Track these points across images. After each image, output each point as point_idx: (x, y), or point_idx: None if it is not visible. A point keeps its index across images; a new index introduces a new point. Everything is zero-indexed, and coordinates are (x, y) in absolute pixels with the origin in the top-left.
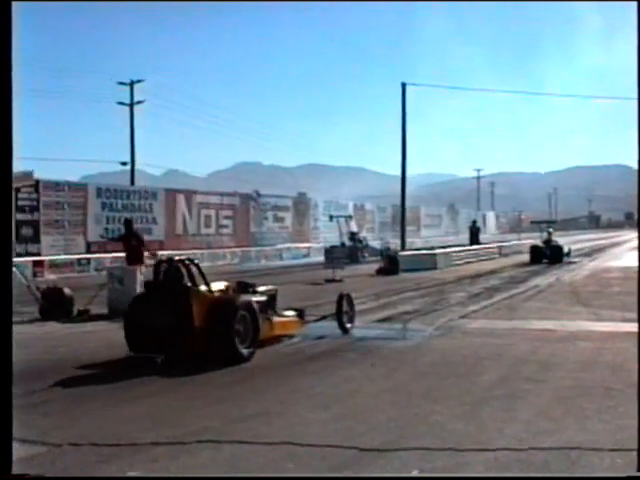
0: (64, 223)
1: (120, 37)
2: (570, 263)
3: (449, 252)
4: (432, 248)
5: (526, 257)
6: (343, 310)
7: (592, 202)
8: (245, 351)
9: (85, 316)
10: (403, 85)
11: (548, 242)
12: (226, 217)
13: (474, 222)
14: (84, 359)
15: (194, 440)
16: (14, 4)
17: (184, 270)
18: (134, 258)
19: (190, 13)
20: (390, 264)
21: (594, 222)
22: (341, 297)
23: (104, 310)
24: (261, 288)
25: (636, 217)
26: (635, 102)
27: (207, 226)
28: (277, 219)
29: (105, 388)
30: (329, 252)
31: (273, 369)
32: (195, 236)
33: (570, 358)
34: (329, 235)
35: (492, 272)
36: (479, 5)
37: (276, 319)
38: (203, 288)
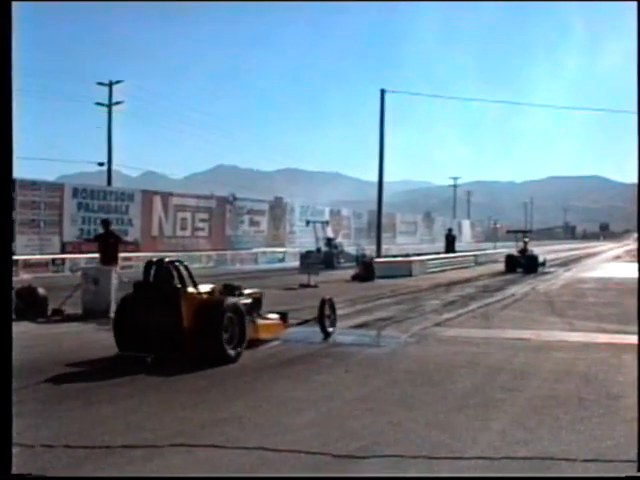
0: (39, 223)
1: (101, 38)
2: (545, 273)
3: (424, 259)
4: (407, 255)
5: (502, 266)
6: (325, 314)
7: (567, 212)
8: (232, 352)
9: (59, 316)
10: (382, 92)
11: (523, 251)
12: (202, 220)
13: (450, 230)
14: (59, 359)
15: (167, 444)
16: (14, 4)
17: (174, 271)
18: (109, 258)
19: (172, 15)
20: (366, 270)
21: (569, 232)
22: (323, 302)
23: (78, 310)
24: (247, 291)
25: (610, 229)
26: (635, 113)
27: (183, 228)
28: (253, 223)
29: (80, 389)
30: (305, 257)
31: (248, 373)
32: (171, 238)
33: (545, 368)
34: (305, 240)
35: (467, 280)
36: (463, 13)
37: (260, 322)
38: (191, 290)
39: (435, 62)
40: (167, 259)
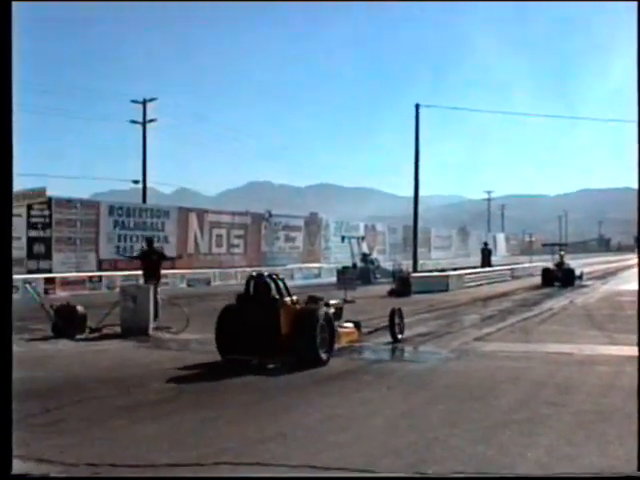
0: (76, 240)
1: (135, 56)
2: (582, 286)
3: (461, 274)
4: (443, 270)
5: (538, 280)
6: (395, 322)
7: (602, 225)
8: (324, 355)
9: (98, 334)
10: (416, 106)
11: (560, 265)
12: (237, 236)
13: (486, 244)
14: (99, 377)
15: (212, 462)
16: (14, 4)
17: (272, 284)
18: (152, 275)
19: (206, 33)
20: (402, 286)
21: (604, 245)
22: (393, 311)
23: (117, 328)
24: (332, 302)
25: None
26: None
27: (219, 245)
28: (288, 239)
29: (123, 407)
30: (341, 273)
31: (290, 390)
32: (207, 255)
33: (588, 382)
34: (340, 255)
35: (504, 294)
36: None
37: (341, 329)
38: (287, 300)
39: (470, 75)
40: (266, 273)
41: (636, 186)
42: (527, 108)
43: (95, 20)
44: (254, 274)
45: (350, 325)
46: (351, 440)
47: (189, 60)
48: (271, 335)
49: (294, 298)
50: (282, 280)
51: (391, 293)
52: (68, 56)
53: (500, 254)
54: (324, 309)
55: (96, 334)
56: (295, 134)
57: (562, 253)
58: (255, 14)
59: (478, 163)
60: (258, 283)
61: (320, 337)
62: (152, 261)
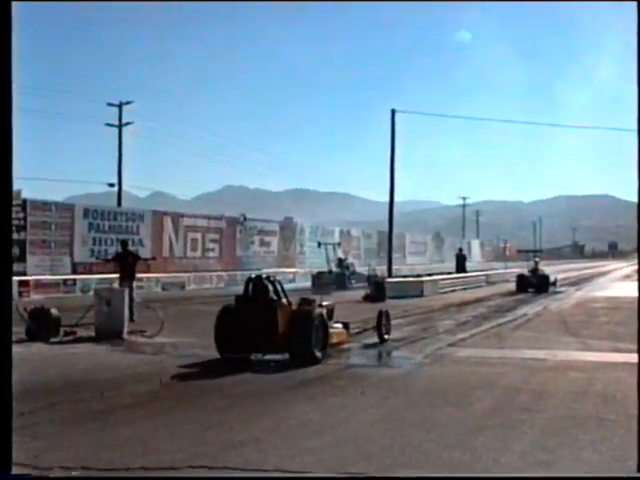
0: (50, 243)
1: (110, 58)
2: (556, 292)
3: (436, 279)
4: (418, 275)
5: (513, 286)
6: (382, 323)
7: (576, 232)
8: (319, 353)
9: (72, 337)
10: (392, 112)
11: (535, 271)
12: (212, 240)
13: (460, 250)
14: (73, 381)
15: (186, 465)
16: (14, 4)
17: (269, 286)
18: (127, 276)
19: (180, 36)
20: (377, 291)
21: (578, 252)
22: (380, 313)
23: (91, 331)
24: (324, 303)
25: (619, 248)
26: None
27: (193, 249)
28: (263, 243)
29: (97, 411)
30: (316, 278)
31: (264, 395)
32: (182, 259)
33: (562, 388)
34: (315, 260)
35: (479, 300)
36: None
37: (332, 330)
38: (284, 301)
39: (444, 81)
40: (264, 276)
41: (612, 193)
42: (502, 114)
43: (76, 20)
44: (253, 276)
45: (339, 326)
46: (325, 445)
47: (166, 61)
48: (269, 334)
49: (290, 299)
50: (279, 283)
51: (366, 298)
52: (43, 55)
53: (475, 260)
54: (319, 310)
55: (70, 337)
56: (271, 138)
57: (537, 260)
58: (233, 15)
59: (454, 169)
60: (256, 285)
61: (315, 336)
62: (127, 263)
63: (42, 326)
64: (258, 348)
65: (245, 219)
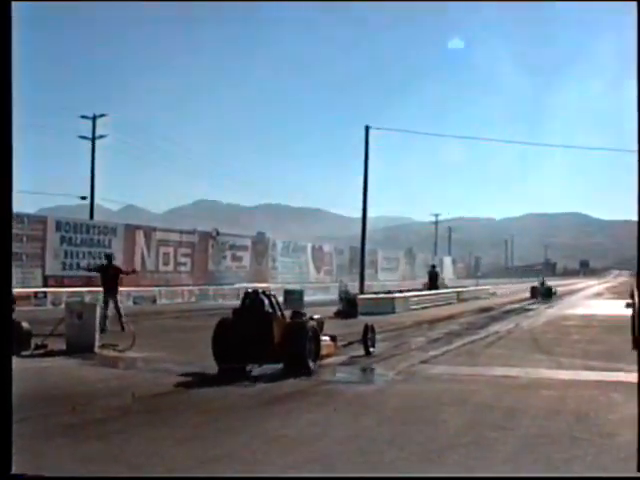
0: (22, 255)
1: (85, 70)
2: (527, 310)
3: (407, 296)
4: (390, 292)
5: (484, 303)
6: (368, 336)
7: (548, 249)
8: (312, 364)
9: (43, 350)
10: (366, 128)
11: (542, 284)
12: (185, 255)
13: (433, 267)
14: (44, 395)
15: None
16: (14, 4)
17: (265, 300)
18: (110, 288)
19: (153, 51)
20: (349, 307)
21: (550, 269)
22: (366, 327)
23: (62, 345)
24: (315, 316)
25: (591, 266)
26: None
27: (165, 263)
28: (235, 258)
29: (67, 425)
30: (288, 294)
31: (238, 410)
32: (153, 273)
33: (535, 406)
34: (287, 276)
35: (451, 317)
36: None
37: (322, 342)
38: (279, 314)
39: (419, 100)
40: (260, 290)
41: (583, 211)
42: (475, 132)
43: (53, 31)
44: (249, 291)
45: (327, 338)
46: (297, 462)
47: (139, 76)
48: (264, 345)
49: (283, 312)
50: (274, 297)
51: (338, 314)
52: (17, 67)
53: (447, 277)
54: (312, 322)
55: (41, 351)
56: (244, 154)
57: (543, 277)
58: (205, 31)
59: (426, 186)
60: (253, 299)
61: (308, 348)
62: (110, 275)
63: (13, 339)
64: (254, 359)
65: (218, 234)
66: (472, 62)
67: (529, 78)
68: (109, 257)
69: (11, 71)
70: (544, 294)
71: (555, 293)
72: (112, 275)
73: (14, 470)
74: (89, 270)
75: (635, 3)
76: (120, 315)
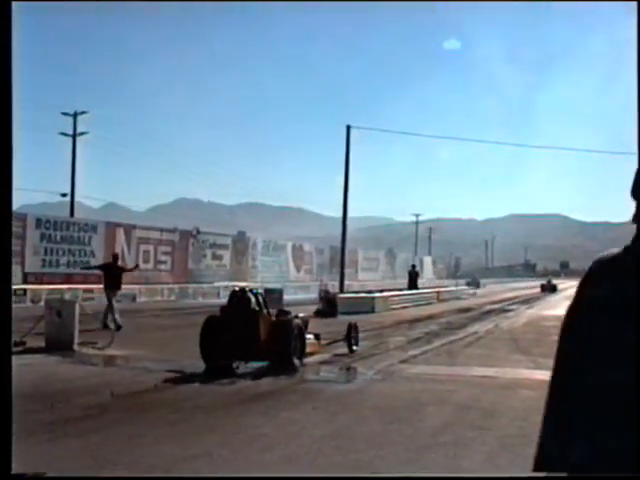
0: None
1: (65, 66)
2: (507, 310)
3: (387, 296)
4: (370, 291)
5: (464, 303)
6: (351, 335)
7: (528, 250)
8: (297, 361)
9: (22, 348)
10: (348, 128)
11: (549, 282)
12: (165, 253)
13: (413, 266)
14: (21, 393)
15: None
16: (14, 4)
17: (252, 298)
18: (113, 285)
19: (135, 47)
20: (328, 306)
21: (530, 270)
22: (350, 326)
23: (41, 342)
24: (300, 315)
25: (571, 267)
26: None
27: (145, 261)
28: (216, 257)
29: (46, 423)
30: (268, 293)
31: (217, 408)
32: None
33: (513, 406)
34: (267, 275)
35: (430, 317)
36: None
37: (306, 341)
38: (265, 312)
39: (398, 100)
40: (247, 289)
41: (564, 213)
42: (457, 132)
43: (34, 26)
44: (237, 289)
45: (311, 337)
46: (276, 460)
47: (121, 72)
48: (251, 343)
49: (270, 310)
50: (261, 295)
51: (317, 313)
52: None
53: (427, 277)
54: (298, 321)
55: (20, 348)
56: (225, 151)
57: (550, 277)
58: (200, 30)
59: (407, 186)
60: (240, 297)
61: (294, 345)
62: (114, 274)
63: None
64: (241, 356)
65: (198, 232)
66: (465, 61)
67: (520, 76)
68: (115, 256)
69: (11, 71)
70: (550, 289)
71: (555, 288)
72: (117, 274)
73: (14, 470)
74: (90, 269)
75: (635, 3)
76: (111, 313)
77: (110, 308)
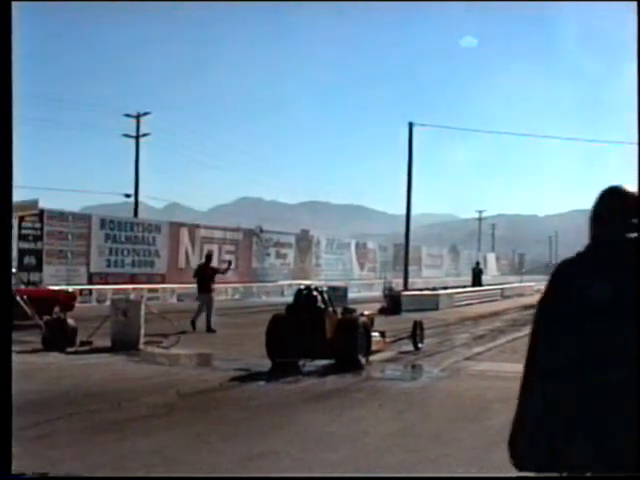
0: (67, 253)
1: (128, 70)
2: None
3: (451, 293)
4: (434, 289)
5: (528, 300)
6: (417, 333)
7: None
8: (363, 359)
9: (88, 347)
10: (410, 125)
11: None
12: (229, 252)
13: (477, 263)
14: (90, 391)
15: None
16: (14, 4)
17: (318, 296)
18: (206, 286)
19: (199, 49)
20: (393, 304)
21: None
22: (415, 323)
23: (107, 342)
24: (366, 312)
25: None
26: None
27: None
28: (279, 255)
29: (113, 421)
30: (332, 290)
31: (283, 407)
32: None
33: None
34: (331, 272)
35: (495, 314)
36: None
37: (372, 338)
38: (331, 310)
39: (463, 96)
40: (312, 286)
41: None
42: (515, 128)
43: (96, 31)
44: (302, 287)
45: (377, 334)
46: (343, 458)
47: (184, 75)
48: (317, 340)
49: (335, 309)
50: (327, 293)
51: (382, 311)
52: (61, 66)
53: (491, 273)
54: (363, 318)
55: (86, 347)
56: (286, 151)
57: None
58: (253, 29)
59: (469, 181)
60: (306, 295)
61: (360, 343)
62: (207, 276)
63: (58, 336)
64: (307, 354)
65: (261, 231)
66: (545, 52)
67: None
68: (208, 257)
69: (11, 71)
70: None
71: None
72: (209, 275)
73: (14, 470)
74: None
75: (635, 3)
76: (209, 314)
77: (199, 311)
